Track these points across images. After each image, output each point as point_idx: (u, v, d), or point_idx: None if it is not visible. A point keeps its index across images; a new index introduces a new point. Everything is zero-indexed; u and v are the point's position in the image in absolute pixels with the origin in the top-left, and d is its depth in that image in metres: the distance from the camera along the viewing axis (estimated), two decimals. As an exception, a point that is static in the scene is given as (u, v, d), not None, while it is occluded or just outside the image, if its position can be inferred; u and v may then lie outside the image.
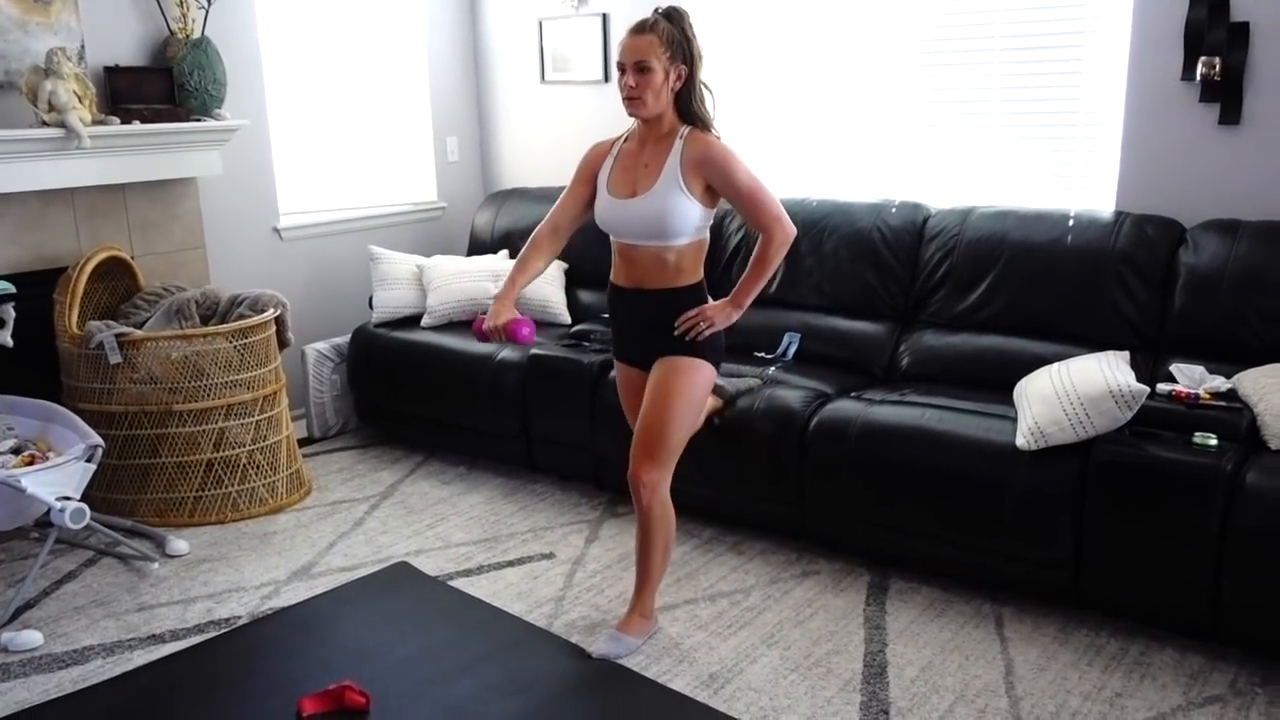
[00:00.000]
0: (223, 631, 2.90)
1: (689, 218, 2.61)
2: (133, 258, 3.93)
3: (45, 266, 3.72)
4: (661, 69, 2.55)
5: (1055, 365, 3.00)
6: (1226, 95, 3.26)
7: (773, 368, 3.56)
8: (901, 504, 3.00)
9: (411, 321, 4.29)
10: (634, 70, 2.55)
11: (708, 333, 2.67)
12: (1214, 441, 2.65)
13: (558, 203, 2.82)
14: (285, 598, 3.09)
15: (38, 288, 3.65)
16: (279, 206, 4.50)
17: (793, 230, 2.69)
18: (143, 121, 3.74)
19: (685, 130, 2.63)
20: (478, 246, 4.77)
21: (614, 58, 2.69)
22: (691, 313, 2.67)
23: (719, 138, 2.66)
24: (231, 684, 2.65)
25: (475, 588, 3.12)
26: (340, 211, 4.79)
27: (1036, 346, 3.32)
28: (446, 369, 4.02)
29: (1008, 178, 3.79)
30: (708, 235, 2.72)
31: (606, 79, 4.69)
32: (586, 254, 3.94)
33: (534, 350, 3.78)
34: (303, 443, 4.37)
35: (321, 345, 4.43)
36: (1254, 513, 2.49)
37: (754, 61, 4.34)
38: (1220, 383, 2.92)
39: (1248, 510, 2.50)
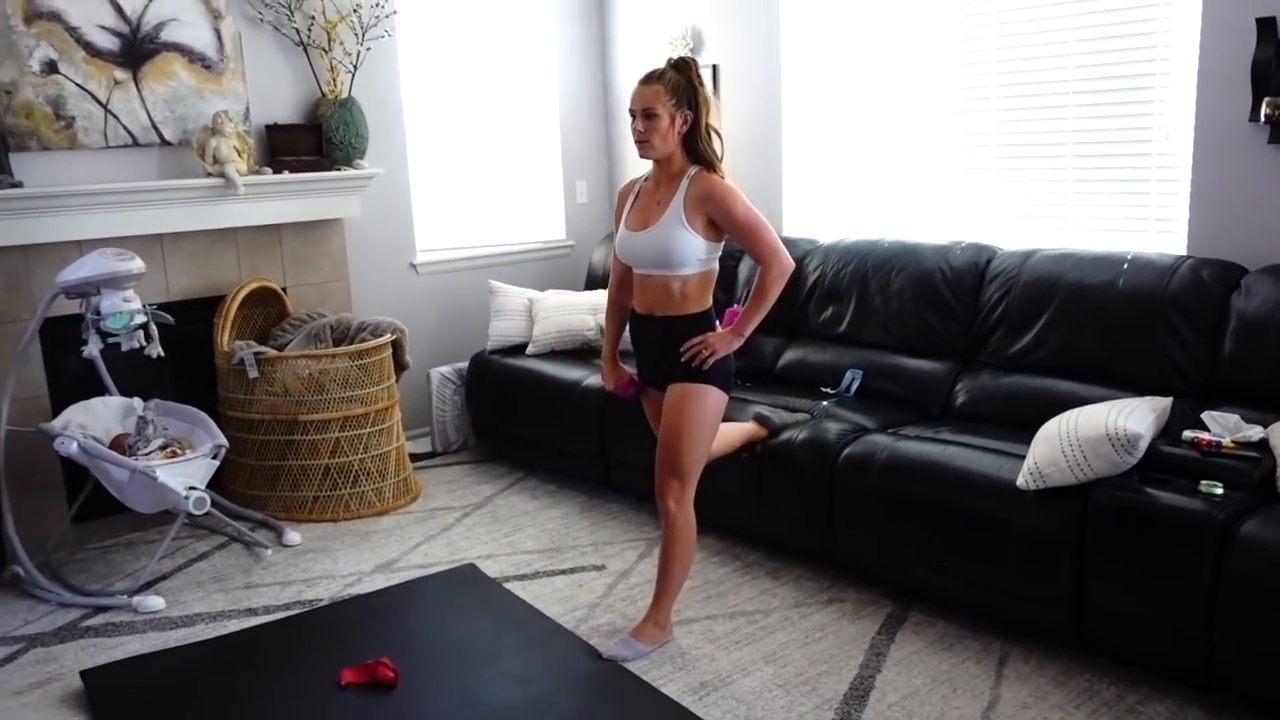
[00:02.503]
0: (304, 610, 3.36)
1: (691, 249, 2.84)
2: (284, 289, 4.56)
3: (211, 294, 4.39)
4: (667, 115, 2.81)
5: (1079, 408, 2.99)
6: (1296, 136, 3.15)
7: (826, 402, 3.69)
8: (918, 537, 3.07)
9: (521, 349, 4.71)
10: (642, 116, 2.83)
11: (710, 360, 2.89)
12: (1220, 490, 2.59)
13: (613, 254, 3.11)
14: (364, 586, 3.53)
15: (204, 312, 4.33)
16: (416, 244, 5.05)
17: (790, 263, 2.88)
18: (291, 171, 4.36)
19: (693, 170, 2.87)
20: (592, 281, 5.14)
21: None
22: (695, 340, 2.89)
23: (724, 177, 2.88)
24: (294, 652, 3.08)
25: (525, 590, 3.44)
26: (474, 249, 5.30)
27: (1085, 390, 3.29)
28: (540, 393, 4.39)
29: (1082, 221, 3.76)
30: (715, 267, 2.94)
31: (716, 126, 4.97)
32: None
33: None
34: (425, 456, 4.87)
35: (445, 369, 4.92)
36: (1247, 562, 2.43)
37: (838, 111, 4.49)
38: (1255, 432, 2.83)
39: (1241, 560, 2.44)
